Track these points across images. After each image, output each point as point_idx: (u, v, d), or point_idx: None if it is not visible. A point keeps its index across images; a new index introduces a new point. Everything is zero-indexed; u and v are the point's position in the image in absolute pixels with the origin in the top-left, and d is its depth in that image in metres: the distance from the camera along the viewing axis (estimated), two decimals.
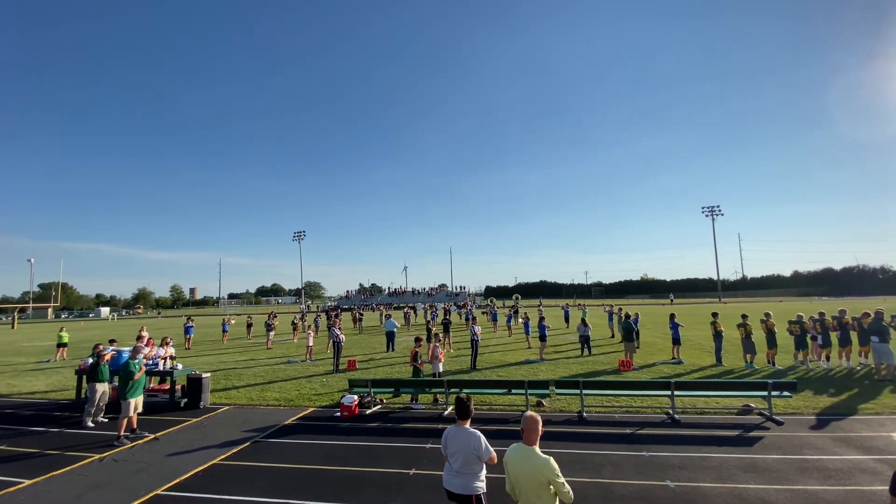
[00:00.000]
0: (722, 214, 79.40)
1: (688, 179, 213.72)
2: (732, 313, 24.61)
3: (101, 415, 9.60)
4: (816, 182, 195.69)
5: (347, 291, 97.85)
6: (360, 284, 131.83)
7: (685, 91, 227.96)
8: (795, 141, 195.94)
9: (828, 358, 13.45)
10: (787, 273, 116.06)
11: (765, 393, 8.46)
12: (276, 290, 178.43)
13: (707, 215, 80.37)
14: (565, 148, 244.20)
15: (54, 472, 6.73)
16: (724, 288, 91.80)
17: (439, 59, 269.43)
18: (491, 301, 62.87)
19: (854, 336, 13.49)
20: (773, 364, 13.46)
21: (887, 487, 2.86)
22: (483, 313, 40.10)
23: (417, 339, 11.73)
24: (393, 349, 19.56)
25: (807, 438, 7.33)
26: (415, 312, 39.65)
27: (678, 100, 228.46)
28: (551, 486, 3.34)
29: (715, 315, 15.11)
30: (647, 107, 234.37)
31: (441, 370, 11.53)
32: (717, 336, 14.45)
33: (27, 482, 6.39)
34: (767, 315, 14.03)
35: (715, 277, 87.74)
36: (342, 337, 15.97)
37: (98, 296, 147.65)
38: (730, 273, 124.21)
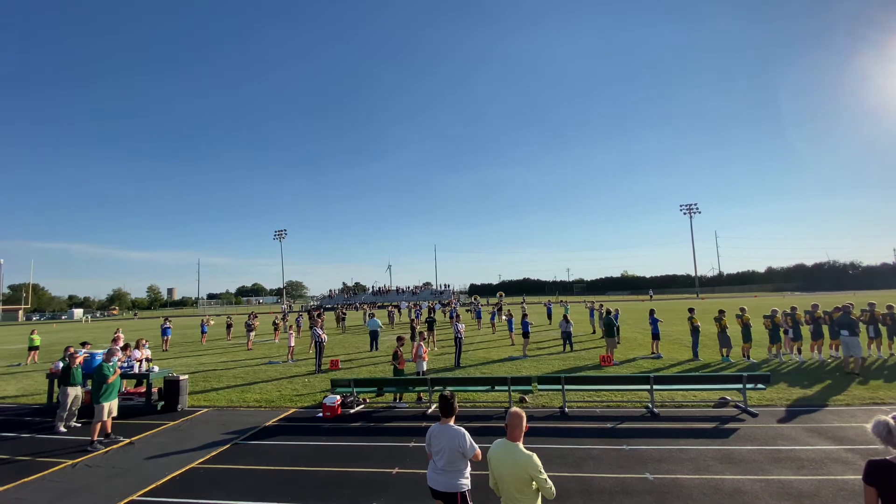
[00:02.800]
0: (699, 212, 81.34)
1: (667, 179, 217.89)
2: (709, 308, 25.20)
3: (74, 419, 9.30)
4: (789, 181, 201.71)
5: (331, 290, 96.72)
6: (344, 283, 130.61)
7: (665, 93, 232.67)
8: (769, 141, 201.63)
9: (799, 351, 13.87)
10: (762, 269, 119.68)
11: (740, 386, 8.70)
12: (256, 290, 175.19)
13: (685, 213, 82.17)
14: (548, 148, 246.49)
15: (25, 479, 6.50)
16: (702, 284, 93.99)
17: (424, 61, 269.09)
18: (475, 299, 63.18)
19: (826, 330, 13.94)
20: (748, 358, 13.83)
21: (859, 476, 2.95)
22: (467, 311, 40.21)
23: (399, 339, 11.69)
24: (377, 348, 19.46)
25: (780, 429, 7.55)
26: (399, 311, 39.59)
27: (658, 101, 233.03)
28: (534, 482, 3.36)
29: (691, 311, 15.44)
30: (629, 108, 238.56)
31: (425, 368, 11.52)
32: (694, 331, 14.75)
33: None
34: (742, 310, 14.40)
35: (693, 274, 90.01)
36: (324, 337, 15.83)
37: (71, 297, 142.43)
38: (707, 269, 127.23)
